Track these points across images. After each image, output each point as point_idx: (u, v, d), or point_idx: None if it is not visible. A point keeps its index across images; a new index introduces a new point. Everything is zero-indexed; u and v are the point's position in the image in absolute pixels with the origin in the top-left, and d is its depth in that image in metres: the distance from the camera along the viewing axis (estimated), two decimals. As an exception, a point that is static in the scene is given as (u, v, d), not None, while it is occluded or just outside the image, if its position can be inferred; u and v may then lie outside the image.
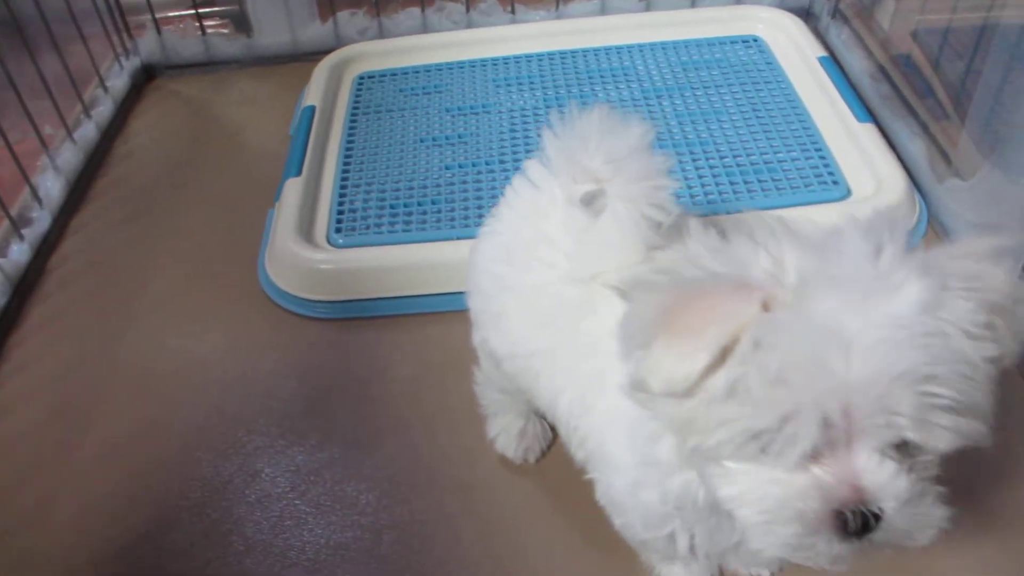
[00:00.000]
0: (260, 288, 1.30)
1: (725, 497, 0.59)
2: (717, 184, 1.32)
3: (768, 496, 0.56)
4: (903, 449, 0.55)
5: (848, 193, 1.30)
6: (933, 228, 1.30)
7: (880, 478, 0.54)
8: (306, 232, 1.30)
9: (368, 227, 1.30)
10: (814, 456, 0.55)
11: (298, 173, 1.39)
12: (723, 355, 0.54)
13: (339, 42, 1.79)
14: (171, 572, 0.97)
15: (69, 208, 1.51)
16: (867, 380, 0.52)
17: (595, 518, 0.96)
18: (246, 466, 1.06)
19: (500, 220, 0.88)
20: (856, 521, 0.54)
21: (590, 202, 0.80)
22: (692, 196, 1.30)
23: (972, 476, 0.98)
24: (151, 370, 1.21)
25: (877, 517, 0.55)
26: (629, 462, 0.72)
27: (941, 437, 0.54)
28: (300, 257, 1.25)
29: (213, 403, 1.15)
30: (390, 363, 1.18)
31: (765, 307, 0.55)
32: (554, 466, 1.02)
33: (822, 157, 1.36)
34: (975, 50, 1.29)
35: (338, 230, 1.30)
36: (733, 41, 1.66)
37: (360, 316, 1.25)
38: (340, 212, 1.34)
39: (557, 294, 0.79)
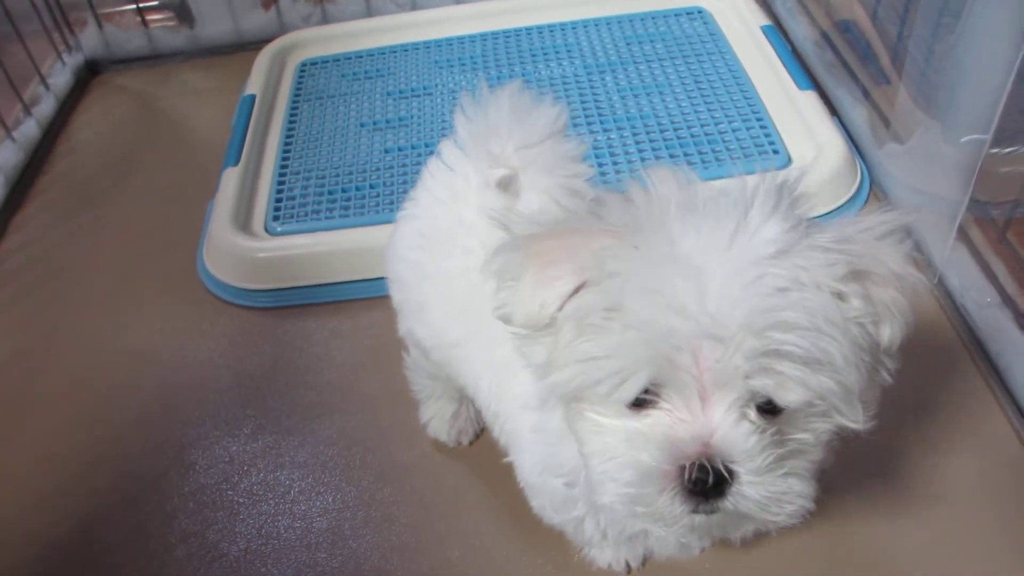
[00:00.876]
0: (199, 278, 1.29)
1: (586, 454, 0.57)
2: (657, 158, 1.30)
3: (612, 446, 0.55)
4: (770, 418, 0.54)
5: (789, 162, 1.29)
6: (875, 193, 1.29)
7: (733, 436, 0.52)
8: (243, 221, 1.28)
9: (306, 214, 1.29)
10: (668, 410, 0.53)
11: (236, 162, 1.37)
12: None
13: (283, 29, 1.77)
14: (103, 566, 0.96)
15: (10, 206, 1.49)
16: (714, 317, 0.50)
17: (526, 500, 0.96)
18: (180, 458, 1.05)
19: (417, 204, 0.87)
20: (693, 473, 0.52)
21: (507, 186, 0.79)
22: (632, 171, 1.29)
23: (909, 444, 0.97)
24: (88, 364, 1.19)
25: (723, 480, 0.52)
26: (535, 442, 0.71)
27: (789, 388, 0.52)
28: (236, 246, 1.24)
29: (149, 396, 1.14)
30: (328, 350, 1.16)
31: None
32: (487, 448, 1.01)
33: (763, 127, 1.35)
34: (906, 10, 1.28)
35: (276, 218, 1.29)
36: (677, 14, 1.65)
37: (299, 304, 1.23)
38: (279, 200, 1.32)
39: (474, 281, 0.77)
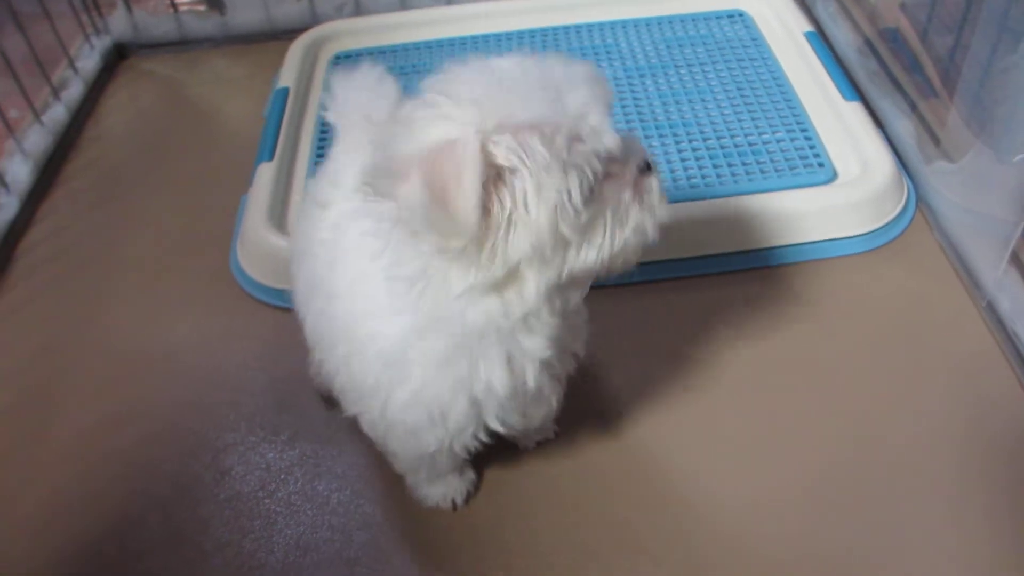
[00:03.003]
0: (232, 276, 1.27)
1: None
2: (700, 168, 1.28)
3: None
4: None
5: (834, 176, 1.26)
6: (922, 212, 1.27)
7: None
8: (278, 219, 1.26)
9: (342, 213, 1.27)
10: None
11: (270, 158, 1.35)
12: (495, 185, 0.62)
13: (315, 19, 1.74)
14: (136, 571, 0.95)
15: (38, 193, 1.47)
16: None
17: (575, 519, 0.95)
18: (215, 463, 1.04)
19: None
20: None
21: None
22: (675, 180, 1.26)
23: (954, 473, 0.96)
24: (119, 361, 1.18)
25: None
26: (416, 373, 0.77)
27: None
28: (271, 245, 1.22)
29: (182, 396, 1.12)
30: (364, 355, 1.15)
31: (481, 130, 0.62)
32: (534, 472, 1.00)
33: (807, 138, 1.32)
34: (962, 23, 1.25)
35: (311, 216, 1.27)
36: (718, 16, 1.62)
37: (334, 305, 1.21)
38: (314, 198, 1.30)
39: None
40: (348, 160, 0.87)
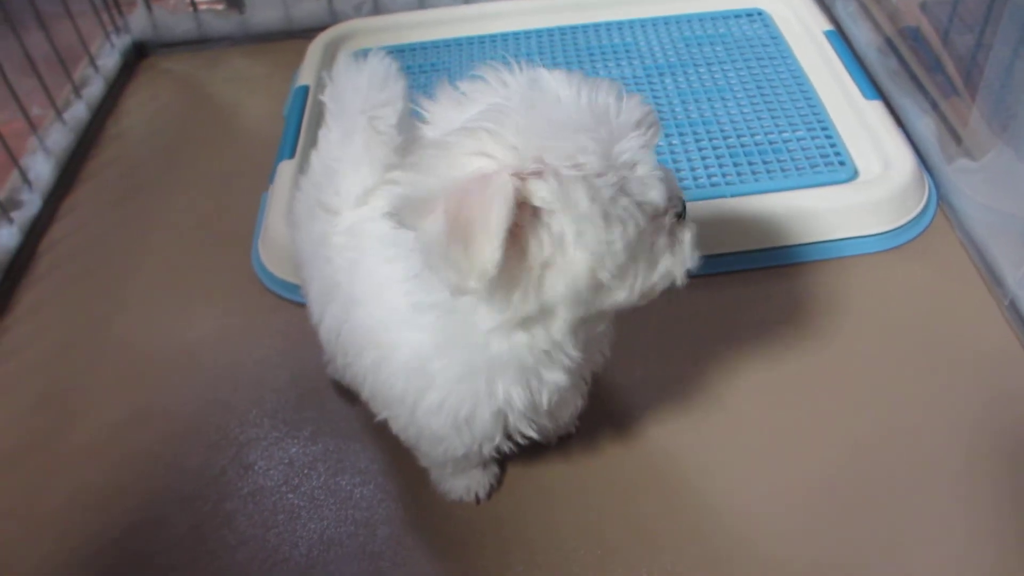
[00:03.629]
0: (254, 273, 1.28)
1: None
2: (721, 166, 1.28)
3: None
4: None
5: (855, 174, 1.26)
6: (943, 210, 1.27)
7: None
8: (299, 216, 1.27)
9: (363, 210, 1.27)
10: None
11: (291, 156, 1.36)
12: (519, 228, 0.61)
13: (334, 18, 1.75)
14: (161, 566, 0.95)
15: (60, 190, 1.48)
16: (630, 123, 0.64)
17: (596, 514, 0.95)
18: (238, 458, 1.04)
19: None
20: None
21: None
22: (695, 179, 1.26)
23: (978, 465, 0.95)
24: (141, 356, 1.18)
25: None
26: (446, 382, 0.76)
27: None
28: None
29: (204, 392, 1.13)
30: (385, 351, 1.15)
31: (518, 172, 0.60)
32: (558, 466, 1.00)
33: (828, 137, 1.32)
34: (985, 22, 1.25)
35: (332, 214, 1.27)
36: (737, 15, 1.62)
37: (355, 302, 1.22)
38: (334, 195, 1.31)
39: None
40: (349, 165, 0.84)
